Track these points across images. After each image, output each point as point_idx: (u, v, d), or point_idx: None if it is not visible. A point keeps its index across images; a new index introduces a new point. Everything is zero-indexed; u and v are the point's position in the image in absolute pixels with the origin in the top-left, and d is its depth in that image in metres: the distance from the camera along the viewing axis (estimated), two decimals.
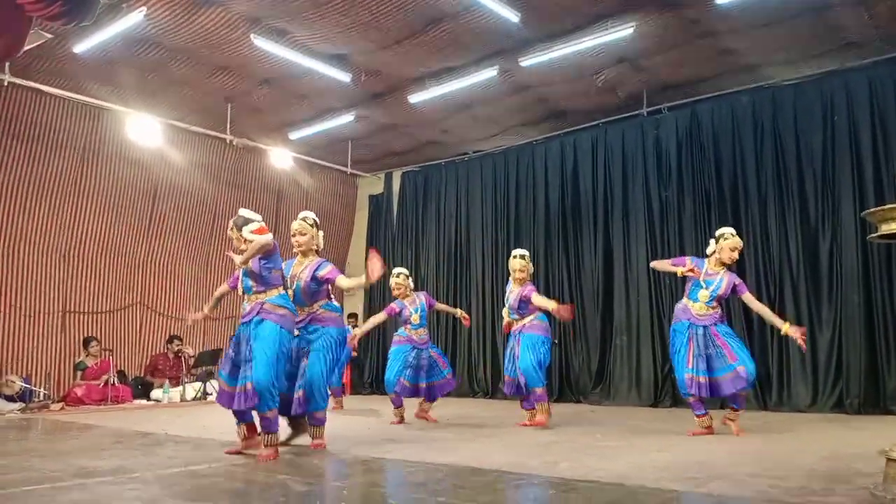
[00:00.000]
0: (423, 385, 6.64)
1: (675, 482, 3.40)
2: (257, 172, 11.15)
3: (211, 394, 9.60)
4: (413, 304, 6.73)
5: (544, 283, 9.62)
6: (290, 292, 4.70)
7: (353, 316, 11.86)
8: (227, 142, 9.97)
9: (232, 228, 4.53)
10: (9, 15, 4.97)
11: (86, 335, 9.37)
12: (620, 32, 7.03)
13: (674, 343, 5.53)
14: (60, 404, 8.38)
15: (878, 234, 3.49)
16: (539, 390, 5.95)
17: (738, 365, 5.20)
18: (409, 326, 6.68)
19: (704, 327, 5.34)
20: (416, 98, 8.75)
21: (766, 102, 8.19)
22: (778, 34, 7.19)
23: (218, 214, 10.94)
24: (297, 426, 4.86)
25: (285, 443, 4.72)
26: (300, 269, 4.83)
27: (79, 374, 8.99)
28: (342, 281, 4.78)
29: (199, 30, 7.19)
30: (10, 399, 8.04)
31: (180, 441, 5.32)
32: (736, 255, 5.43)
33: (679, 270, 5.51)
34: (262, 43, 7.36)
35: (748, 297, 5.47)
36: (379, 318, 6.90)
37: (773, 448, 4.64)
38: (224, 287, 5.22)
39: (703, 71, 8.17)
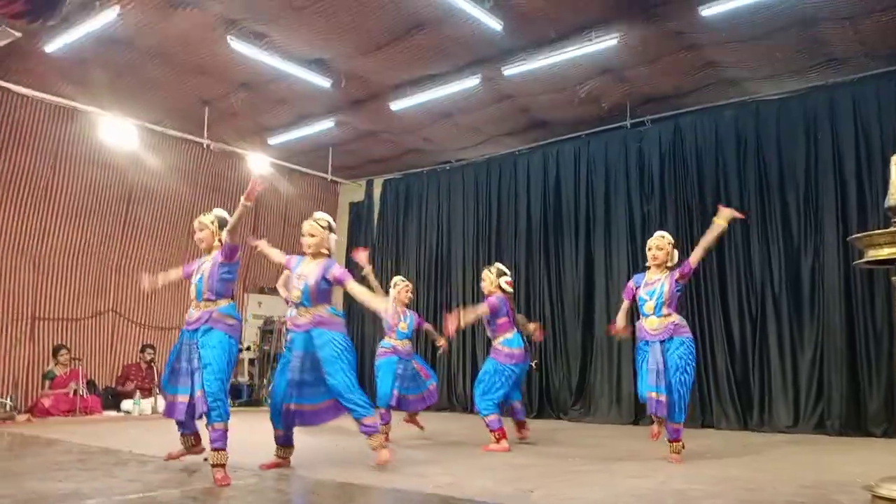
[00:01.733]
0: (411, 397, 6.55)
1: None
2: (235, 177, 10.92)
3: None
4: (404, 314, 6.67)
5: (525, 295, 9.50)
6: (296, 292, 4.64)
7: None
8: (205, 146, 9.77)
9: (213, 221, 4.60)
10: None
11: (56, 343, 9.10)
12: (604, 43, 6.93)
13: (637, 363, 5.28)
14: (27, 416, 8.12)
15: (864, 259, 3.40)
16: (490, 417, 5.76)
17: (662, 392, 4.88)
18: (393, 335, 6.58)
19: (661, 342, 5.00)
20: (397, 105, 8.60)
21: (750, 117, 8.13)
22: (762, 48, 7.12)
23: (195, 219, 10.70)
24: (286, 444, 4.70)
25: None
26: (308, 269, 4.70)
27: (47, 383, 8.73)
28: (353, 286, 4.61)
29: (175, 31, 7.01)
30: None
31: (144, 461, 5.10)
32: (656, 252, 5.11)
33: (623, 307, 5.40)
34: (239, 46, 7.18)
35: (694, 258, 5.00)
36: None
37: (754, 475, 4.52)
38: (178, 272, 4.81)
39: (686, 83, 8.09)
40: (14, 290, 8.93)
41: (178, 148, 10.14)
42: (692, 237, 8.23)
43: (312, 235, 4.75)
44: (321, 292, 4.63)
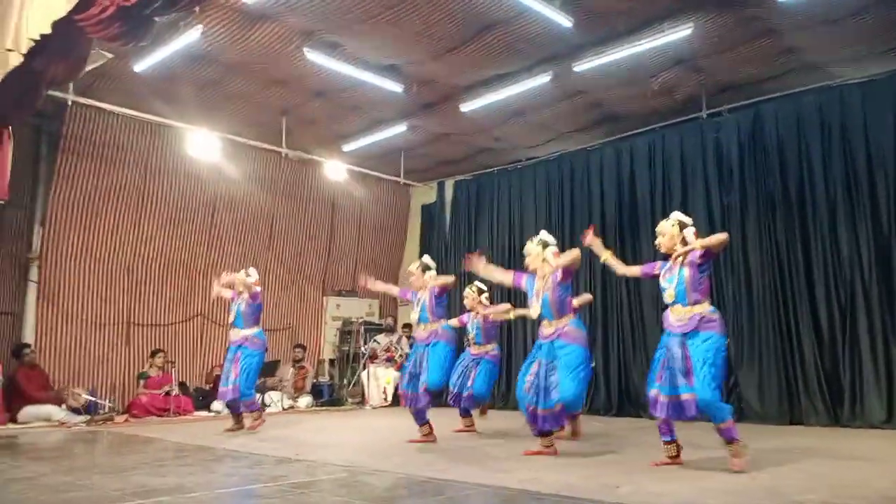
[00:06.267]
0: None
1: None
2: (312, 184, 11.29)
3: (269, 405, 9.70)
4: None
5: (601, 292, 9.41)
6: (536, 307, 5.20)
7: (407, 326, 11.84)
8: (283, 155, 10.10)
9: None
10: (72, 37, 5.13)
11: (152, 347, 9.59)
12: (677, 34, 6.82)
13: (655, 357, 4.79)
14: (125, 416, 8.58)
15: None
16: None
17: (688, 391, 4.39)
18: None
19: (682, 335, 4.49)
20: (467, 107, 8.68)
21: (834, 102, 7.83)
22: (844, 30, 6.86)
23: (275, 226, 11.15)
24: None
25: None
26: (543, 284, 5.17)
27: (141, 382, 9.19)
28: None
29: (254, 45, 7.28)
30: (76, 411, 8.27)
31: (237, 457, 5.36)
32: (662, 239, 4.70)
33: (632, 268, 5.24)
34: (314, 56, 7.42)
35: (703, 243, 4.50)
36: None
37: (846, 473, 4.37)
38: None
39: (765, 71, 7.86)
40: (111, 296, 9.47)
41: (257, 157, 10.54)
42: (776, 229, 8.04)
43: (529, 254, 5.41)
44: (559, 304, 5.10)
